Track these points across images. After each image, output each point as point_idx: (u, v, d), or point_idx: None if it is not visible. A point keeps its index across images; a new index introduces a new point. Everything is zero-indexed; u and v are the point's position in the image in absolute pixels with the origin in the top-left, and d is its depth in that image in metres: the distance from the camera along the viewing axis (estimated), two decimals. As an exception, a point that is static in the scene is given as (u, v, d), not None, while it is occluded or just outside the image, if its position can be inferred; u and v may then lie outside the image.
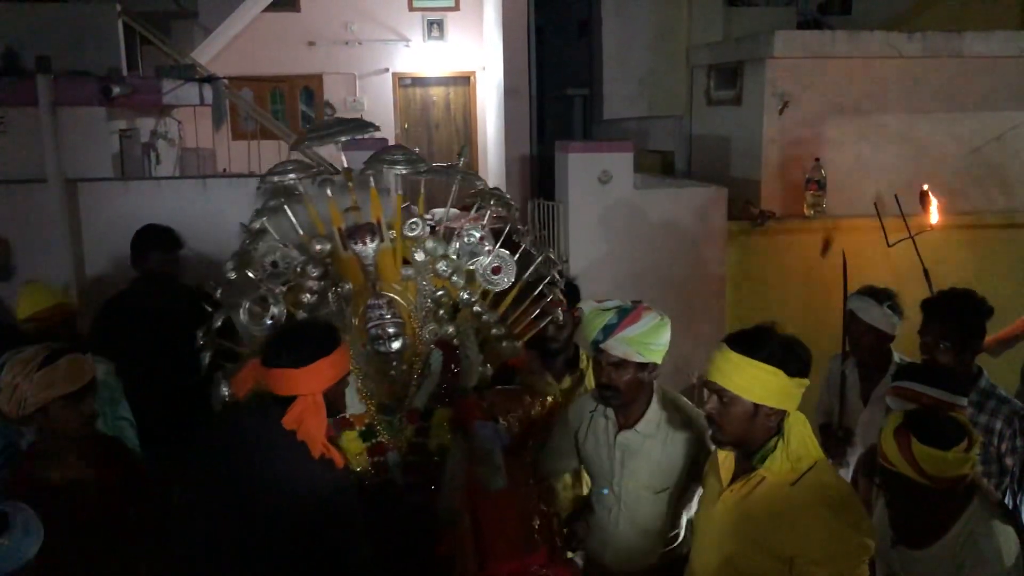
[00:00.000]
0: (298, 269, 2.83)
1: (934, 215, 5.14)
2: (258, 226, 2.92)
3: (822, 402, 3.63)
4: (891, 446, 2.26)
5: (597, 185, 5.00)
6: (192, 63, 6.84)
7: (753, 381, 2.15)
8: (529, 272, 3.08)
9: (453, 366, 2.82)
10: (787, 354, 2.15)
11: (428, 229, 2.94)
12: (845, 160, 5.42)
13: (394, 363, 2.75)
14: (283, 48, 10.56)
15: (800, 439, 2.18)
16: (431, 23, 11.01)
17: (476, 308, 2.95)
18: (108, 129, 5.48)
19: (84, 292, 4.76)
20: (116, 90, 5.29)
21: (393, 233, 2.89)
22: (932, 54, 5.42)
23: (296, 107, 10.94)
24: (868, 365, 3.38)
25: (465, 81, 11.30)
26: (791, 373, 2.14)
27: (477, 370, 2.89)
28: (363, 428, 2.74)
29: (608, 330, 2.55)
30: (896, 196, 5.08)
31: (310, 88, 10.98)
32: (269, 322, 2.74)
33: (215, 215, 4.74)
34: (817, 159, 5.30)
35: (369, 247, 2.78)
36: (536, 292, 3.08)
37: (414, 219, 2.89)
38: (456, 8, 11.06)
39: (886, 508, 2.49)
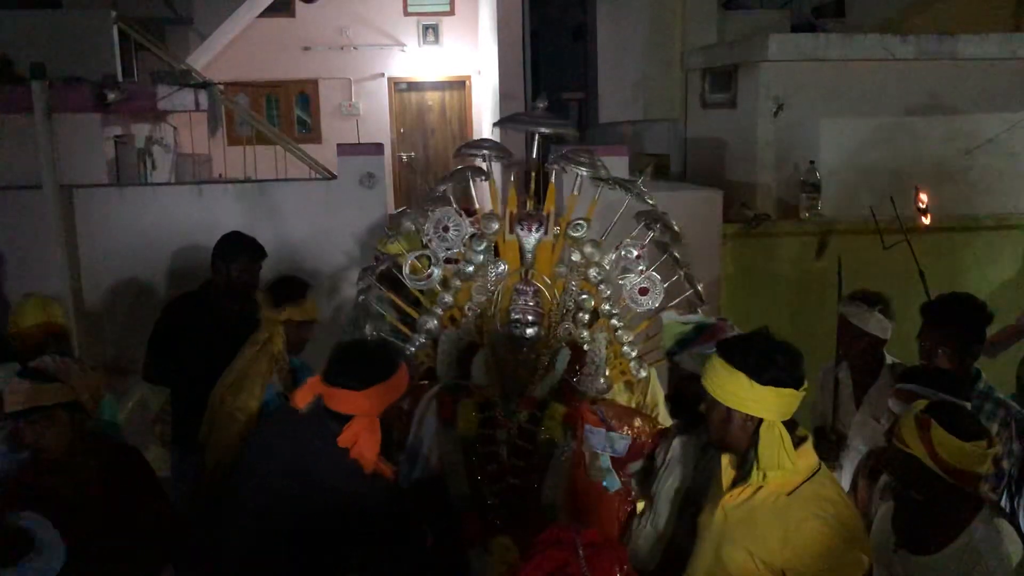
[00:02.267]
0: (466, 239, 3.02)
1: (927, 215, 5.15)
2: (441, 191, 3.13)
3: (817, 405, 3.64)
4: (910, 429, 2.24)
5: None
6: (187, 69, 6.84)
7: (723, 385, 2.17)
8: (676, 303, 3.16)
9: (577, 368, 2.92)
10: (764, 362, 2.12)
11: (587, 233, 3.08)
12: (840, 163, 5.43)
13: (524, 349, 2.84)
14: (278, 53, 10.56)
15: (770, 448, 2.13)
16: (426, 28, 11.03)
17: (614, 321, 3.04)
18: (103, 135, 5.49)
19: (79, 298, 4.76)
20: (111, 96, 5.29)
21: (559, 229, 3.04)
22: (926, 57, 5.42)
23: (292, 112, 10.95)
24: (860, 369, 3.37)
25: (460, 85, 11.32)
26: (763, 381, 2.11)
27: (600, 380, 2.97)
28: (482, 400, 2.82)
29: (684, 344, 2.64)
30: (892, 199, 5.09)
31: (305, 93, 10.99)
32: (423, 282, 3.04)
33: (211, 221, 4.74)
34: (812, 162, 5.30)
35: (533, 236, 2.97)
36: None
37: (581, 221, 3.01)
38: (451, 13, 11.08)
39: (893, 509, 2.46)
